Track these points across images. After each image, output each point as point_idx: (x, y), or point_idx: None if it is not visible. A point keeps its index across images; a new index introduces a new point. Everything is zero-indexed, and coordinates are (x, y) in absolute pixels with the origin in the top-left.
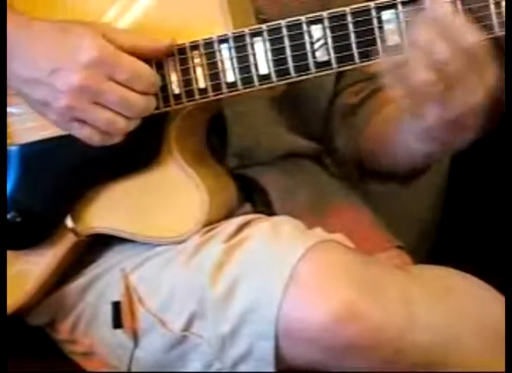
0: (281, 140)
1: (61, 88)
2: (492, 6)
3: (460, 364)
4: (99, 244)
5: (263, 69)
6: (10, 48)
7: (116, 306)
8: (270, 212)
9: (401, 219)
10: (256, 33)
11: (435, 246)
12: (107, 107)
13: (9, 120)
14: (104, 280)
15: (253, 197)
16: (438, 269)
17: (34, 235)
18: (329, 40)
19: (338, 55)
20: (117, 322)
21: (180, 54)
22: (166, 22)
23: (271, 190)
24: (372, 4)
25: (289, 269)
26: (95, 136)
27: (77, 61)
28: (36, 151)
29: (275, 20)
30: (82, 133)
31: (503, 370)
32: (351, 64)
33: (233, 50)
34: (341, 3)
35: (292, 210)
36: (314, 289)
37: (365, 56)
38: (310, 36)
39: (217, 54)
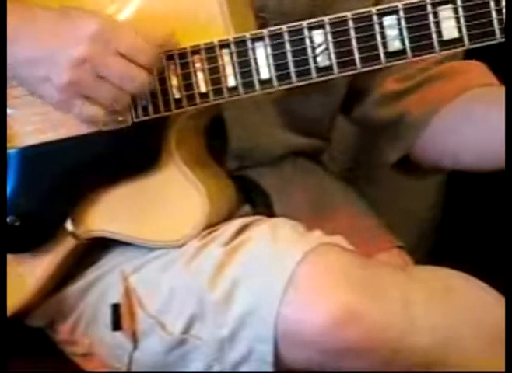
0: (280, 140)
1: (63, 63)
2: (493, 12)
3: (460, 365)
4: (100, 246)
5: (264, 74)
6: (11, 34)
7: (115, 308)
8: (270, 213)
9: (401, 219)
10: (257, 38)
11: (435, 246)
12: (110, 81)
13: (9, 122)
14: (104, 282)
15: (252, 198)
16: (438, 269)
17: (34, 239)
18: (330, 46)
19: (340, 60)
20: (117, 325)
21: (181, 59)
22: (166, 25)
23: (270, 191)
24: (373, 9)
25: (287, 272)
26: (100, 113)
27: (78, 35)
28: (35, 155)
29: (275, 18)
30: (86, 110)
31: (503, 370)
32: (352, 70)
33: (234, 55)
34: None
35: (292, 211)
36: (313, 292)
37: (366, 61)
38: (312, 42)
39: (218, 58)
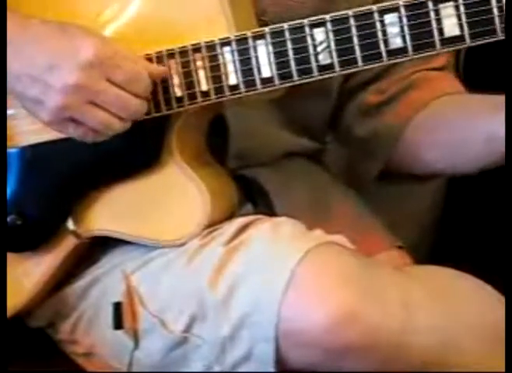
0: (281, 140)
1: (56, 87)
2: (494, 10)
3: (459, 365)
4: (101, 245)
5: (266, 72)
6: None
7: (117, 307)
8: (271, 212)
9: (401, 219)
10: (259, 36)
11: (435, 246)
12: (103, 107)
13: (9, 122)
14: (105, 281)
15: (254, 198)
16: (438, 269)
17: (35, 238)
18: (332, 43)
19: (341, 58)
20: (118, 323)
21: (182, 57)
22: (167, 24)
23: (271, 191)
24: (374, 7)
25: (288, 271)
26: (89, 136)
27: (74, 60)
28: (36, 154)
29: (277, 22)
30: (76, 133)
31: (503, 370)
32: (354, 68)
33: (235, 53)
34: (344, 5)
35: (293, 210)
36: (313, 291)
37: (368, 59)
38: (313, 39)
39: (219, 56)
